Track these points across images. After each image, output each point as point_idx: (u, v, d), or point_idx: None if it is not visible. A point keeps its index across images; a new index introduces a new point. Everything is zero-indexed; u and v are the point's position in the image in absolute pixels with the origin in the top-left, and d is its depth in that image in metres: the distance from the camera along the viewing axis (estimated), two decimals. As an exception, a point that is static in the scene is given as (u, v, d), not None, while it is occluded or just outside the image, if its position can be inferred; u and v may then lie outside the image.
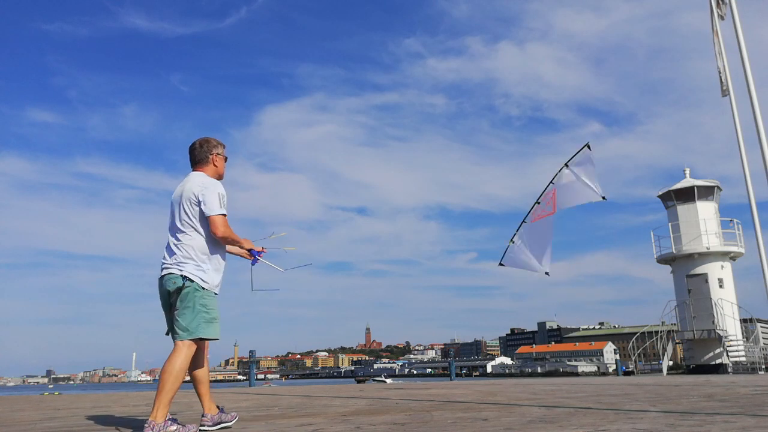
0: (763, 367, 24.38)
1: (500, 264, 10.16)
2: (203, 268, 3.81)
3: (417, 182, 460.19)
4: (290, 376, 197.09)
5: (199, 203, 3.81)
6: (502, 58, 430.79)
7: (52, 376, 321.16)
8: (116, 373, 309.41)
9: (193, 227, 3.82)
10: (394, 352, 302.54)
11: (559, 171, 9.55)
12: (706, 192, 25.92)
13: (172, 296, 3.78)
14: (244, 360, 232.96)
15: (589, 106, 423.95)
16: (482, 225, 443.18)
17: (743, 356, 24.38)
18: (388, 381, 37.91)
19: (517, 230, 9.91)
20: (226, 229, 3.82)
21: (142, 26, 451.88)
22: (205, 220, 3.81)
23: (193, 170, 4.05)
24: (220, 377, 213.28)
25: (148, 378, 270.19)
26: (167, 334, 3.89)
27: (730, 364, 23.87)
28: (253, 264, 4.06)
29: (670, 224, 26.28)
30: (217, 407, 3.99)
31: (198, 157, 4.04)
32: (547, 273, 9.88)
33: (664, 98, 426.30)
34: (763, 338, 38.40)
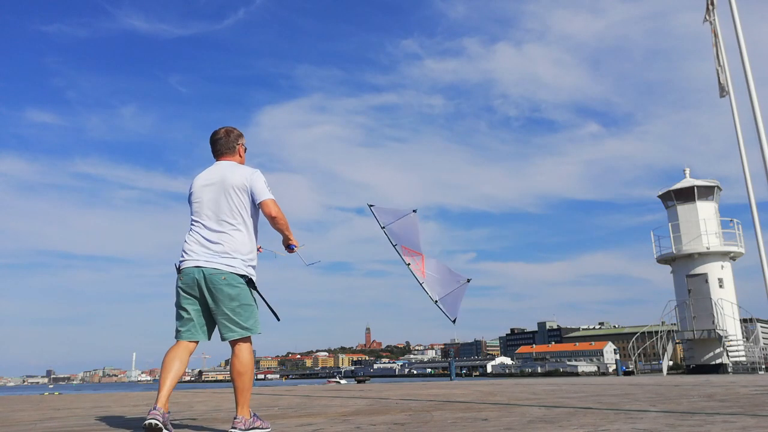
0: (763, 367, 24.38)
1: (454, 321, 10.59)
2: (248, 263, 3.72)
3: (416, 183, 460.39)
4: (290, 376, 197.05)
5: (248, 192, 3.75)
6: (500, 59, 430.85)
7: (52, 376, 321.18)
8: (116, 373, 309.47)
9: (241, 218, 3.74)
10: (394, 352, 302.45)
11: (387, 237, 9.97)
12: (706, 192, 25.92)
13: (217, 293, 3.60)
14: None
15: (587, 107, 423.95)
16: (481, 225, 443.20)
17: (743, 356, 24.38)
18: (342, 382, 38.49)
19: (428, 294, 10.27)
20: (280, 211, 3.79)
21: (141, 28, 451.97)
22: (252, 211, 3.79)
23: (218, 160, 3.96)
24: (220, 377, 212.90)
25: (148, 378, 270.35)
26: (181, 331, 3.64)
27: (730, 364, 23.87)
28: (292, 248, 4.02)
29: (670, 224, 26.29)
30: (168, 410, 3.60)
31: (226, 146, 3.95)
32: (469, 279, 10.33)
33: (662, 99, 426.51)
34: (763, 338, 38.41)
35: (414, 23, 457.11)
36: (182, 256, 3.73)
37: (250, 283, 3.71)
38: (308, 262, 4.20)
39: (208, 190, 3.79)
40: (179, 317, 3.68)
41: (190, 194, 3.88)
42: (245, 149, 4.08)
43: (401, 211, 10.65)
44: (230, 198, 3.73)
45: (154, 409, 3.35)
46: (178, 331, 3.67)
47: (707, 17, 7.50)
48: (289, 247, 4.00)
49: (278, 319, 3.96)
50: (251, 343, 3.69)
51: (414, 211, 10.54)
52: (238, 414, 3.56)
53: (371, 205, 10.54)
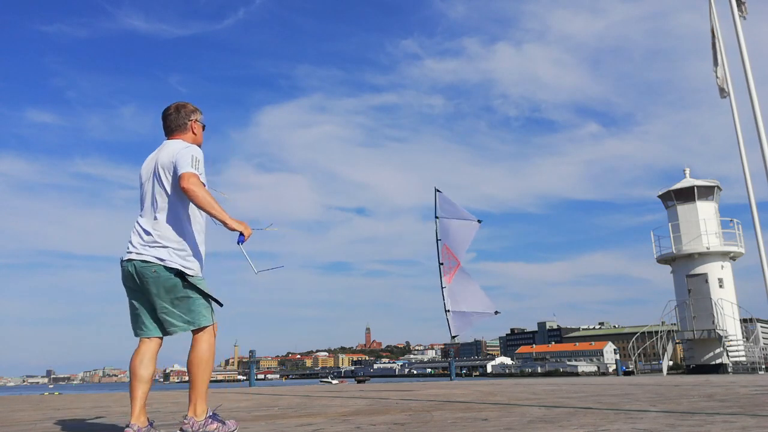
0: (763, 367, 24.38)
1: (453, 338, 10.53)
2: (183, 252, 3.33)
3: (415, 182, 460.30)
4: (290, 376, 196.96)
5: (174, 169, 3.32)
6: (500, 59, 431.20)
7: (52, 376, 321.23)
8: (116, 373, 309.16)
9: (170, 202, 3.35)
10: (394, 352, 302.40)
11: (436, 227, 10.02)
12: (706, 192, 25.92)
13: (151, 287, 3.28)
14: (244, 360, 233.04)
15: (586, 107, 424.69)
16: (481, 225, 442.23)
17: (743, 356, 24.39)
18: (334, 382, 39.04)
19: (444, 299, 10.22)
20: (193, 185, 3.20)
21: (141, 28, 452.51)
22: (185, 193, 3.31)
23: (168, 139, 3.56)
24: (220, 377, 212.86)
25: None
26: (134, 328, 3.39)
27: (730, 364, 23.87)
28: (239, 241, 3.37)
29: (670, 224, 26.29)
30: (148, 420, 3.34)
31: (175, 123, 3.54)
32: (497, 312, 10.28)
33: (661, 99, 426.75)
34: (763, 338, 38.40)
35: (414, 23, 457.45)
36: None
37: (179, 275, 3.29)
38: (258, 269, 3.46)
39: (146, 174, 3.48)
40: (130, 314, 3.43)
41: (139, 178, 3.57)
42: (203, 127, 3.66)
43: (466, 213, 10.29)
44: (160, 180, 3.38)
45: (128, 426, 3.17)
46: (133, 329, 3.41)
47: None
48: (239, 238, 3.34)
49: (255, 272, 3.45)
50: (213, 335, 3.39)
51: (479, 221, 10.18)
52: (188, 413, 3.21)
53: (438, 190, 10.22)
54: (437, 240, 10.13)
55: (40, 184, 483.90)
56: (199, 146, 3.54)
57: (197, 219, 3.45)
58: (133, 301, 3.39)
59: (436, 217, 10.25)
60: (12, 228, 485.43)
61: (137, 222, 3.43)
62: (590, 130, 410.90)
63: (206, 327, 3.36)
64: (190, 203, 3.35)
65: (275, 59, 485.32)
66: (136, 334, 3.39)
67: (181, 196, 3.33)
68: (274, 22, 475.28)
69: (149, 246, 3.31)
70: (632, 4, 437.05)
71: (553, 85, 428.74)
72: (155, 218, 3.35)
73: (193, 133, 3.58)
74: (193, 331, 3.36)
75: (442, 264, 10.07)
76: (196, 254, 3.40)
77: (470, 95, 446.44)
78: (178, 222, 3.36)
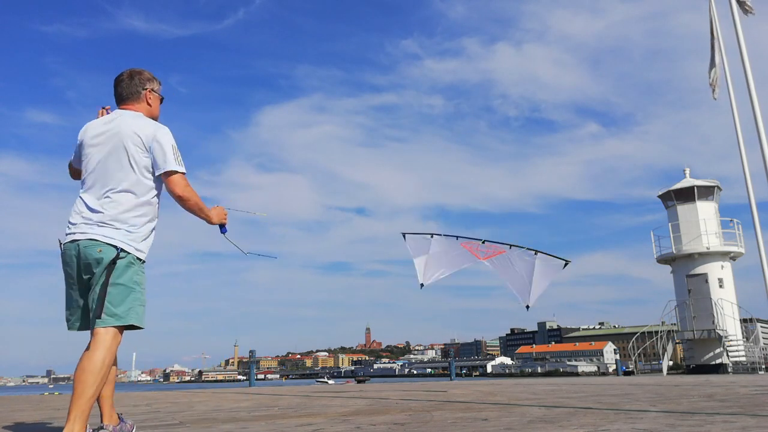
0: (763, 367, 24.39)
1: (525, 248, 9.62)
2: (135, 234, 2.97)
3: (416, 183, 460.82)
4: (290, 376, 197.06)
5: (147, 152, 3.01)
6: (500, 60, 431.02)
7: (52, 376, 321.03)
8: (116, 373, 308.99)
9: (135, 180, 2.99)
10: (394, 352, 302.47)
11: (527, 249, 9.21)
12: (706, 192, 25.94)
13: (92, 268, 2.90)
14: (244, 360, 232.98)
15: (586, 107, 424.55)
16: (481, 225, 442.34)
17: (743, 356, 24.40)
18: (330, 382, 39.47)
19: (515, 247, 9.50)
20: (189, 189, 3.02)
21: (141, 28, 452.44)
22: (149, 174, 3.02)
23: (119, 107, 3.19)
24: (220, 377, 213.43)
25: (149, 378, 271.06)
26: (70, 320, 3.02)
27: (730, 364, 23.88)
28: (222, 232, 3.32)
29: (670, 224, 26.31)
30: (118, 416, 3.21)
31: (127, 91, 3.17)
32: (527, 306, 9.63)
33: (661, 99, 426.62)
34: (763, 338, 38.40)
35: (414, 23, 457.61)
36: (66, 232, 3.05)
37: (113, 262, 2.88)
38: (246, 250, 3.46)
39: (98, 146, 3.06)
40: (66, 303, 3.04)
41: (80, 146, 3.15)
42: (161, 99, 3.30)
43: (536, 289, 9.25)
44: (123, 156, 2.99)
45: (102, 428, 3.06)
46: (67, 320, 3.03)
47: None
48: (221, 230, 3.29)
49: (245, 253, 3.42)
50: (118, 338, 2.91)
51: (527, 306, 9.15)
52: (65, 429, 2.75)
53: (569, 262, 9.30)
54: (511, 245, 9.35)
55: (40, 184, 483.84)
56: (155, 119, 3.22)
57: (154, 205, 3.12)
58: (72, 291, 3.02)
59: (536, 252, 9.44)
60: (12, 228, 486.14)
61: (82, 198, 3.04)
62: (590, 130, 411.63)
63: (119, 328, 2.90)
64: (152, 187, 3.06)
65: (275, 59, 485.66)
66: (69, 326, 3.03)
67: (146, 179, 3.03)
68: (274, 22, 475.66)
69: (97, 225, 2.94)
70: (632, 4, 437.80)
71: (553, 85, 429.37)
72: (108, 197, 2.98)
73: (148, 104, 3.23)
74: (101, 327, 2.86)
75: (483, 241, 9.34)
76: (146, 240, 3.08)
77: (470, 95, 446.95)
78: (138, 201, 3.02)
